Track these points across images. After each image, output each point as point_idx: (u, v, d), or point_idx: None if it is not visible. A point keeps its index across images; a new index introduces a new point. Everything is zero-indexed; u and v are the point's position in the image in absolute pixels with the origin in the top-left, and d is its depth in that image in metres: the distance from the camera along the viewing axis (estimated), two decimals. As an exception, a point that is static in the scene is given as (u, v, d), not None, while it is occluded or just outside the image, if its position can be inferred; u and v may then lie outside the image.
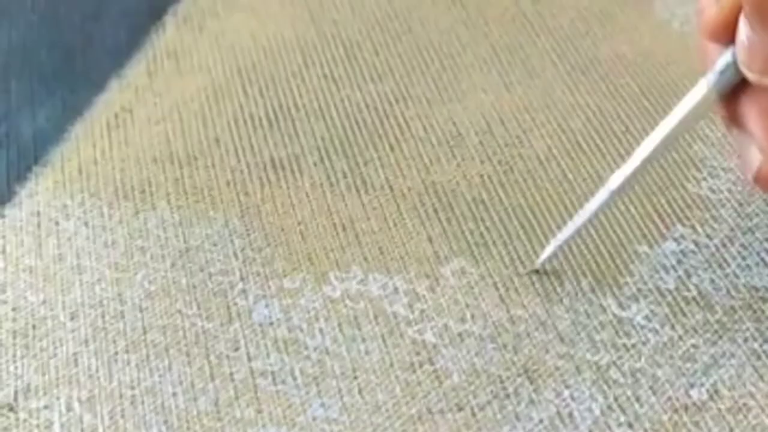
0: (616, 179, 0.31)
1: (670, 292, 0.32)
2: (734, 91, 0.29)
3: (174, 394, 0.29)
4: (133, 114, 0.38)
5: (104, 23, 0.43)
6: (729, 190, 0.35)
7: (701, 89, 0.29)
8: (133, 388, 0.30)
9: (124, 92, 0.39)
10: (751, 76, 0.28)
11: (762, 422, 0.28)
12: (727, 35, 0.28)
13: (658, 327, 0.31)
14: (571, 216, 0.34)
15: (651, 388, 0.29)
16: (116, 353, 0.31)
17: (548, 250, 0.32)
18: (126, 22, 0.42)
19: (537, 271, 0.32)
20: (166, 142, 0.37)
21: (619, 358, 0.30)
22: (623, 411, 0.29)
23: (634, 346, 0.30)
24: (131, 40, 0.41)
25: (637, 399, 0.29)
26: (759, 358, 0.30)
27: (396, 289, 0.32)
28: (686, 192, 0.35)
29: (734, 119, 0.29)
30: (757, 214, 0.34)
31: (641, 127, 0.37)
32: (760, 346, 0.30)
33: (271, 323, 0.31)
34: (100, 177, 0.36)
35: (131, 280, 0.32)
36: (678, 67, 0.39)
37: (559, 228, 0.34)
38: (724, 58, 0.28)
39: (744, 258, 0.32)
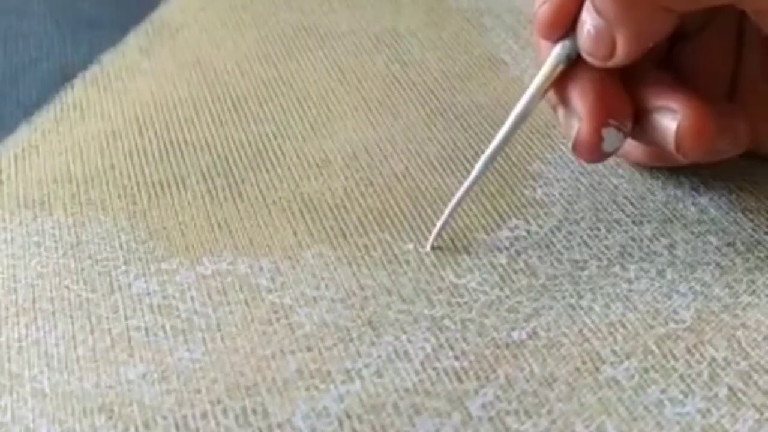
0: (476, 168, 0.37)
1: (501, 265, 0.36)
2: (562, 78, 0.35)
3: (56, 345, 0.33)
4: (39, 149, 0.43)
5: (18, 85, 0.48)
6: (560, 194, 0.40)
7: (532, 87, 0.35)
8: (20, 341, 0.34)
9: (32, 133, 0.44)
10: (596, 62, 0.34)
11: (571, 353, 0.33)
12: (558, 31, 0.34)
13: (488, 289, 0.35)
14: (421, 216, 0.39)
15: (478, 332, 0.34)
16: (7, 317, 0.34)
17: (434, 232, 0.37)
18: (38, 83, 0.48)
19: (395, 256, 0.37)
20: (66, 169, 0.42)
21: (452, 311, 0.34)
22: (452, 348, 0.33)
23: (466, 303, 0.35)
24: (42, 98, 0.47)
25: (465, 340, 0.33)
26: (574, 309, 0.34)
27: (261, 268, 0.36)
28: (523, 196, 0.40)
29: (562, 100, 0.36)
30: (583, 210, 0.39)
31: (488, 152, 0.42)
32: (576, 301, 0.35)
33: (148, 294, 0.35)
34: (4, 194, 0.40)
35: (25, 265, 0.37)
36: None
37: (411, 226, 0.38)
38: (557, 51, 0.35)
39: (569, 241, 0.37)
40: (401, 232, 0.38)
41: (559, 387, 0.31)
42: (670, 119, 0.35)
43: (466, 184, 0.37)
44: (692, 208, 0.38)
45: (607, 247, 0.37)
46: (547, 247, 0.37)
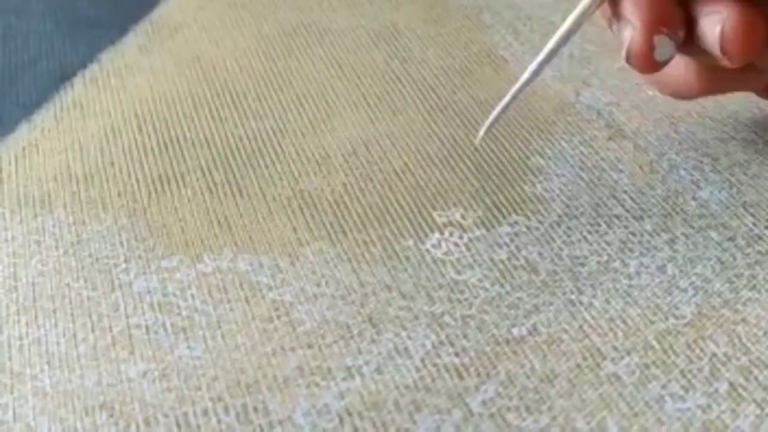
0: (530, 66, 0.38)
1: (501, 261, 0.36)
2: None
3: (57, 343, 0.33)
4: (39, 148, 0.43)
5: (18, 84, 0.48)
6: (560, 189, 0.40)
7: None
8: (21, 339, 0.34)
9: (32, 132, 0.44)
10: None
11: (572, 349, 0.33)
12: None
13: (488, 286, 0.35)
14: (421, 212, 0.39)
15: (478, 328, 0.34)
16: (8, 316, 0.34)
17: (484, 127, 0.39)
18: (38, 83, 0.48)
19: (391, 244, 0.37)
20: (66, 167, 0.42)
21: (453, 308, 0.34)
22: (452, 345, 0.33)
23: (466, 299, 0.35)
24: (41, 97, 0.47)
25: (465, 336, 0.33)
26: (574, 305, 0.34)
27: (261, 265, 0.36)
28: (523, 192, 0.40)
29: (615, 13, 0.37)
30: (583, 206, 0.39)
31: (489, 149, 0.42)
32: (577, 297, 0.35)
33: (149, 291, 0.35)
34: (4, 193, 0.40)
35: (26, 264, 0.37)
36: (525, 106, 0.45)
37: (411, 222, 0.38)
38: None
39: (569, 236, 0.37)
40: (401, 229, 0.38)
41: (560, 383, 0.31)
42: (716, 22, 0.35)
43: (512, 90, 0.38)
44: (692, 203, 0.38)
45: (607, 243, 0.37)
46: (547, 242, 0.37)
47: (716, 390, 0.31)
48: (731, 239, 0.37)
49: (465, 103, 0.45)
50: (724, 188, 0.39)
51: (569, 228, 0.38)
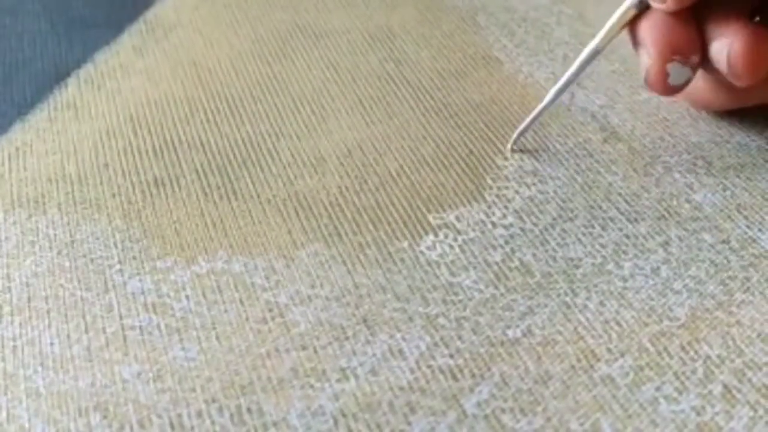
0: (551, 92, 0.40)
1: (496, 263, 0.36)
2: (636, 19, 0.39)
3: (51, 344, 0.33)
4: (33, 148, 0.43)
5: (12, 84, 0.48)
6: (555, 192, 0.40)
7: (606, 26, 0.39)
8: (14, 340, 0.34)
9: (26, 133, 0.44)
10: (657, 4, 0.38)
11: (566, 350, 0.33)
12: None
13: (483, 288, 0.35)
14: (416, 214, 0.39)
15: (473, 329, 0.34)
16: (1, 316, 0.34)
17: (517, 131, 0.41)
18: (32, 83, 0.48)
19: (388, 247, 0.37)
20: (60, 167, 0.42)
21: (447, 309, 0.34)
22: (447, 346, 0.33)
23: (461, 301, 0.35)
24: (35, 97, 0.46)
25: (460, 338, 0.33)
26: (569, 307, 0.34)
27: (256, 267, 0.36)
28: (517, 193, 0.40)
29: (634, 40, 0.39)
30: (577, 208, 0.39)
31: (483, 151, 0.42)
32: (571, 299, 0.35)
33: (143, 292, 0.35)
34: (-1, 193, 0.40)
35: (20, 265, 0.37)
36: (519, 108, 0.45)
37: (406, 224, 0.38)
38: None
39: (563, 238, 0.37)
40: (396, 231, 0.38)
41: (554, 385, 0.31)
42: (725, 45, 0.37)
43: (537, 110, 0.41)
44: (686, 206, 0.38)
45: (601, 245, 0.37)
46: (542, 244, 0.37)
47: (710, 392, 0.31)
48: (725, 242, 0.37)
49: (460, 105, 0.45)
50: (718, 191, 0.39)
51: (564, 230, 0.38)
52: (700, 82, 0.41)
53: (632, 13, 0.39)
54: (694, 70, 0.38)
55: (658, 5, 0.38)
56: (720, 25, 0.38)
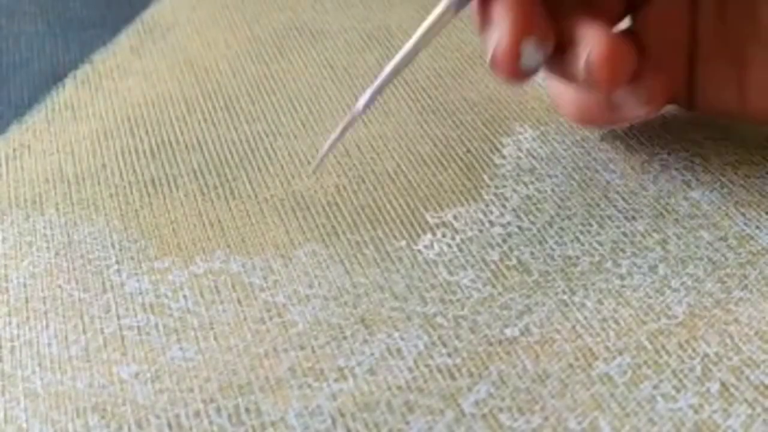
0: (362, 98, 0.37)
1: (494, 262, 0.36)
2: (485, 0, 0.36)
3: (49, 344, 0.33)
4: (30, 149, 0.43)
5: (9, 85, 0.48)
6: (552, 190, 0.40)
7: (441, 6, 0.36)
8: (12, 341, 0.33)
9: (23, 134, 0.44)
10: None
11: (564, 349, 0.33)
12: None
13: (480, 287, 0.35)
14: (413, 213, 0.39)
15: (470, 329, 0.34)
16: (-1, 317, 0.34)
17: (318, 159, 0.39)
18: (29, 84, 0.48)
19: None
20: (58, 168, 0.42)
21: (445, 308, 0.34)
22: (444, 345, 0.33)
23: (458, 300, 0.35)
24: (33, 98, 0.46)
25: (458, 337, 0.33)
26: (566, 305, 0.34)
27: (254, 266, 0.36)
28: (515, 192, 0.40)
29: (485, 20, 0.36)
30: (575, 206, 0.39)
31: (480, 149, 0.42)
32: (569, 297, 0.35)
33: (141, 293, 0.35)
34: (-4, 194, 0.40)
35: (17, 265, 0.37)
36: (516, 107, 0.45)
37: (403, 223, 0.38)
38: None
39: (561, 237, 0.37)
40: (393, 230, 0.38)
41: (552, 383, 0.31)
42: (584, 48, 0.35)
43: (348, 117, 0.37)
44: (684, 203, 0.38)
45: (599, 243, 0.37)
46: (540, 243, 0.37)
47: (708, 390, 0.31)
48: (723, 239, 0.37)
49: (457, 105, 0.45)
50: (716, 188, 0.39)
51: (561, 228, 0.38)
52: (567, 93, 0.39)
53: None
54: (544, 57, 0.35)
55: None
56: (579, 27, 0.35)
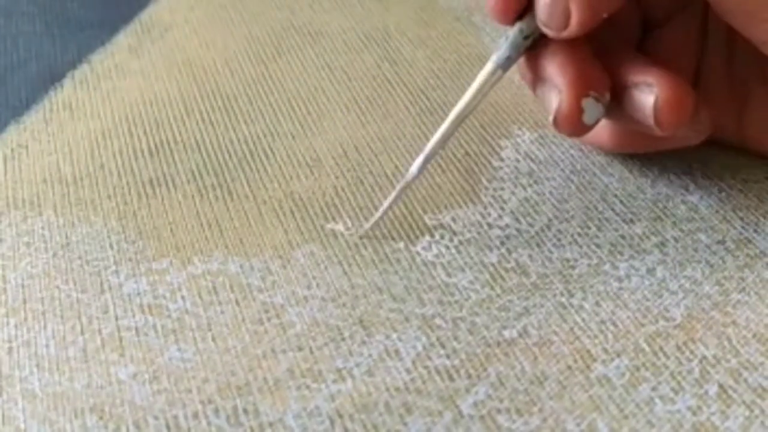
0: (414, 164, 0.37)
1: (492, 264, 0.36)
2: (535, 55, 0.36)
3: (47, 345, 0.33)
4: (28, 149, 0.43)
5: (7, 85, 0.48)
6: (551, 193, 0.40)
7: (488, 67, 0.36)
8: (10, 342, 0.33)
9: (21, 134, 0.44)
10: (552, 33, 0.35)
11: (562, 351, 0.33)
12: (511, 14, 0.35)
13: (479, 288, 0.35)
14: (412, 215, 0.39)
15: (469, 330, 0.34)
16: (-3, 318, 0.34)
17: (372, 221, 0.38)
18: (27, 84, 0.48)
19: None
20: (56, 168, 0.42)
21: (444, 310, 0.34)
22: (443, 347, 0.33)
23: (457, 301, 0.35)
24: (30, 99, 0.46)
25: (456, 338, 0.33)
26: (564, 307, 0.34)
27: (252, 267, 0.36)
28: (513, 194, 0.40)
29: (537, 77, 0.36)
30: (573, 209, 0.39)
31: (479, 151, 0.42)
32: (567, 300, 0.35)
33: (139, 293, 0.35)
34: (-6, 194, 0.40)
35: (15, 266, 0.37)
36: (515, 108, 0.45)
37: (401, 224, 0.38)
38: (513, 31, 0.35)
39: (559, 239, 0.37)
40: (392, 231, 0.38)
41: (550, 385, 0.31)
42: (648, 93, 0.35)
43: (402, 183, 0.37)
44: (682, 206, 0.39)
45: (597, 246, 0.37)
46: (538, 245, 0.37)
47: (706, 392, 0.31)
48: (721, 242, 0.37)
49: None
50: (714, 192, 0.39)
51: (560, 231, 0.38)
52: (604, 130, 0.39)
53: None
54: (605, 108, 0.35)
55: (556, 34, 0.35)
56: (639, 70, 0.35)
